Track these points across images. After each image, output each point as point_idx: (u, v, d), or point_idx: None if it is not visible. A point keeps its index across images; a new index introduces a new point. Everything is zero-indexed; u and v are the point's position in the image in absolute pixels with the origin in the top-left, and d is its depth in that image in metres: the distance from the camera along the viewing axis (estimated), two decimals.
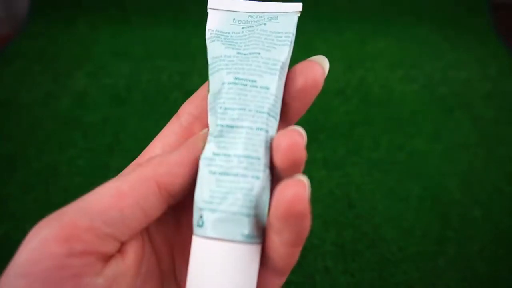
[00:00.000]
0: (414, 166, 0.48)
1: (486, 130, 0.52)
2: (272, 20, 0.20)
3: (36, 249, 0.15)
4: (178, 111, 0.21)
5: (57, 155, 0.48)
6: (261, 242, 0.18)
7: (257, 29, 0.20)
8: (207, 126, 0.20)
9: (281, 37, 0.20)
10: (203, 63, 0.60)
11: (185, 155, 0.18)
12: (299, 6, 0.21)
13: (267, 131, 0.18)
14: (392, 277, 0.38)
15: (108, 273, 0.16)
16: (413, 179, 0.46)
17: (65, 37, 0.65)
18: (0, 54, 0.61)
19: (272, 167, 0.18)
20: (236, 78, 0.19)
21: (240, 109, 0.18)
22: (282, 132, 0.17)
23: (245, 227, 0.17)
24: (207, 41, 0.20)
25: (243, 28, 0.20)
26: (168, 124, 0.21)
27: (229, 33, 0.20)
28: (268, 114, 0.18)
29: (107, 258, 0.17)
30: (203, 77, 0.58)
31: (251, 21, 0.21)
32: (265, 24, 0.20)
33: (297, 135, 0.17)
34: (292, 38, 0.20)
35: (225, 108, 0.18)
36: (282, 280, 0.19)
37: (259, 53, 0.19)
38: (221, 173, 0.17)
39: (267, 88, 0.18)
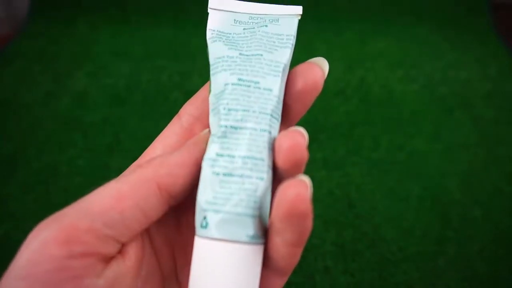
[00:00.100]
0: (414, 166, 0.48)
1: (486, 130, 0.52)
2: (274, 22, 0.20)
3: (36, 251, 0.15)
4: (179, 112, 0.21)
5: (57, 155, 0.48)
6: (264, 242, 0.18)
7: (259, 31, 0.20)
8: (207, 127, 0.20)
9: (282, 39, 0.20)
10: (203, 63, 0.60)
11: (186, 156, 0.18)
12: (299, 9, 0.21)
13: (270, 132, 0.18)
14: (392, 277, 0.38)
15: (108, 275, 0.16)
16: (413, 179, 0.46)
17: (65, 37, 0.65)
18: (0, 54, 0.61)
19: (273, 167, 0.18)
20: (239, 79, 0.19)
21: (244, 110, 0.18)
22: (284, 133, 0.17)
23: (250, 228, 0.17)
24: (208, 41, 0.20)
25: (244, 29, 0.20)
26: (169, 125, 0.21)
27: (230, 33, 0.20)
28: (271, 115, 0.18)
29: (107, 260, 0.17)
30: (203, 77, 0.58)
31: (252, 22, 0.21)
32: (266, 26, 0.20)
33: (299, 136, 0.17)
34: (293, 40, 0.20)
35: (229, 109, 0.18)
36: (283, 280, 0.19)
37: (261, 55, 0.19)
38: (225, 174, 0.17)
39: (270, 90, 0.19)
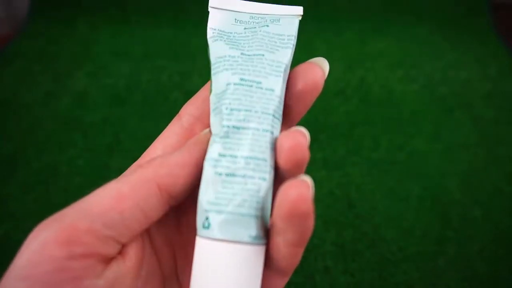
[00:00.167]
0: (414, 166, 0.48)
1: (486, 130, 0.52)
2: (275, 22, 0.20)
3: (36, 251, 0.15)
4: (179, 112, 0.21)
5: (57, 155, 0.48)
6: (265, 242, 0.18)
7: (260, 31, 0.20)
8: (208, 126, 0.20)
9: (283, 39, 0.20)
10: (203, 63, 0.60)
11: (187, 156, 0.18)
12: (300, 10, 0.21)
13: (272, 133, 0.18)
14: (392, 277, 0.38)
15: (108, 275, 0.16)
16: (413, 179, 0.46)
17: (65, 37, 0.65)
18: (0, 54, 0.61)
19: (275, 167, 0.18)
20: (241, 79, 0.19)
21: (246, 110, 0.18)
22: (285, 133, 0.17)
23: (252, 229, 0.17)
24: (209, 40, 0.20)
25: (245, 28, 0.20)
26: (169, 125, 0.21)
27: (231, 33, 0.20)
28: (273, 115, 0.18)
29: (107, 260, 0.17)
30: (203, 77, 0.58)
31: (253, 22, 0.21)
32: (267, 26, 0.20)
33: (300, 136, 0.17)
34: (294, 41, 0.20)
35: (231, 109, 0.18)
36: (285, 280, 0.19)
37: (263, 55, 0.19)
38: (227, 174, 0.17)
39: (272, 90, 0.19)
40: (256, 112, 0.18)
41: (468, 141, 0.51)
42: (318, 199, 0.44)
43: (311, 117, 0.53)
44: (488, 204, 0.44)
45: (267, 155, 0.18)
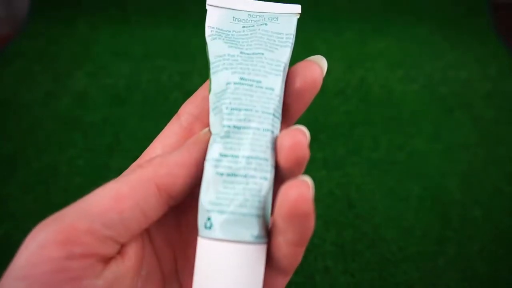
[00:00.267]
0: (414, 166, 0.48)
1: (486, 130, 0.52)
2: (273, 21, 0.20)
3: (35, 252, 0.15)
4: (178, 111, 0.21)
5: (57, 155, 0.48)
6: (267, 241, 0.18)
7: (259, 29, 0.20)
8: (207, 125, 0.20)
9: (282, 38, 0.20)
10: (203, 63, 0.60)
11: (186, 156, 0.18)
12: (298, 8, 0.21)
13: (272, 132, 0.18)
14: (392, 277, 0.38)
15: (107, 275, 0.16)
16: (413, 179, 0.46)
17: (65, 37, 0.65)
18: (0, 54, 0.61)
19: (275, 166, 0.18)
20: (241, 78, 0.19)
21: (247, 110, 0.18)
22: (285, 131, 0.17)
23: (255, 228, 0.17)
24: (208, 39, 0.20)
25: (243, 27, 0.20)
26: (168, 125, 0.21)
27: (229, 31, 0.20)
28: (274, 115, 0.18)
29: (107, 260, 0.17)
30: (203, 77, 0.58)
31: (251, 20, 0.21)
32: (266, 24, 0.20)
33: (300, 134, 0.17)
34: (292, 39, 0.20)
35: (232, 109, 0.18)
36: (286, 279, 0.19)
37: (262, 54, 0.19)
38: (228, 174, 0.17)
39: (272, 89, 0.19)
40: (256, 111, 0.18)
41: (468, 141, 0.51)
42: (318, 199, 0.44)
43: (311, 117, 0.53)
44: (488, 204, 0.44)
45: (268, 154, 0.18)
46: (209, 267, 0.17)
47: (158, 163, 0.18)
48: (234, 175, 0.17)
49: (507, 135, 0.51)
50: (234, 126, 0.18)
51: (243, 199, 0.17)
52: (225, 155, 0.18)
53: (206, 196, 0.17)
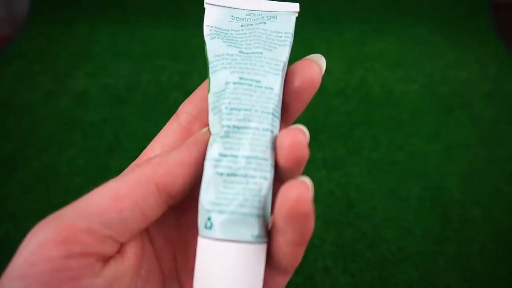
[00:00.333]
0: (414, 166, 0.48)
1: (486, 130, 0.52)
2: (272, 20, 0.20)
3: (34, 251, 0.15)
4: (177, 111, 0.21)
5: (57, 155, 0.48)
6: (267, 241, 0.18)
7: (257, 28, 0.20)
8: (206, 125, 0.20)
9: (281, 37, 0.20)
10: (203, 63, 0.60)
11: (186, 155, 0.18)
12: (296, 7, 0.21)
13: (272, 132, 0.18)
14: (392, 277, 0.38)
15: (107, 274, 0.16)
16: (413, 179, 0.46)
17: (65, 37, 0.65)
18: (0, 54, 0.61)
19: (275, 165, 0.18)
20: (241, 78, 0.18)
21: (246, 109, 0.18)
22: (285, 131, 0.17)
23: (255, 228, 0.17)
24: (206, 38, 0.20)
25: (242, 26, 0.20)
26: (167, 124, 0.21)
27: (228, 30, 0.20)
28: (273, 114, 0.18)
29: (106, 260, 0.17)
30: (203, 77, 0.58)
31: (250, 19, 0.21)
32: (264, 23, 0.20)
33: (300, 134, 0.17)
34: (291, 38, 0.20)
35: (231, 109, 0.18)
36: (286, 278, 0.19)
37: (261, 53, 0.19)
38: (228, 174, 0.17)
39: (272, 89, 0.18)
40: (256, 111, 0.18)
41: (468, 141, 0.51)
42: (318, 199, 0.44)
43: (311, 117, 0.53)
44: (488, 204, 0.44)
45: (267, 154, 0.18)
46: (209, 267, 0.17)
47: (157, 162, 0.18)
48: (234, 175, 0.17)
49: (507, 135, 0.51)
50: (234, 126, 0.18)
51: (243, 199, 0.17)
52: (225, 155, 0.18)
53: (206, 196, 0.17)
